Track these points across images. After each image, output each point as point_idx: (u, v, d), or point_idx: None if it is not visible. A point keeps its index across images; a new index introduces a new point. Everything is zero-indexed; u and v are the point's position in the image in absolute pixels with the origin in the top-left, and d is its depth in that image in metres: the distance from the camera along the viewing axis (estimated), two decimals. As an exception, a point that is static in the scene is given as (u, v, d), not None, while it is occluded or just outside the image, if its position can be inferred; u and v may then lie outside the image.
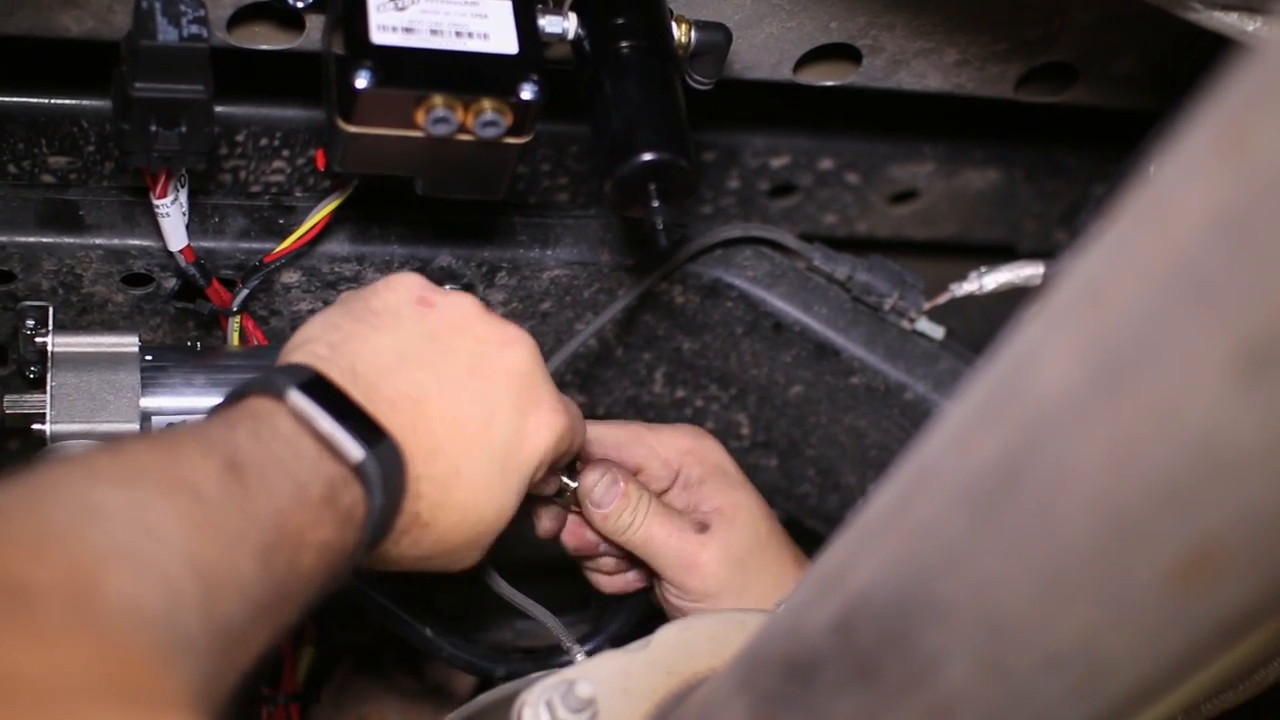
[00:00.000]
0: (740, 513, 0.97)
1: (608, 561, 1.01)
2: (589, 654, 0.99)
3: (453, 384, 0.80)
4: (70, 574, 0.54)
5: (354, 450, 0.72)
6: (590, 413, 1.19)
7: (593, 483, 0.94)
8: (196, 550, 0.61)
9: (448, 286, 1.05)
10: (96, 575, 0.55)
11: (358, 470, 0.73)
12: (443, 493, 0.78)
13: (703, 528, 0.96)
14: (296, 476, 0.70)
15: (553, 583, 1.10)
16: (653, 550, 0.95)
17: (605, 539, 0.97)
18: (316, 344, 0.79)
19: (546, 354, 1.09)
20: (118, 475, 0.62)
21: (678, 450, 0.99)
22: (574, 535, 0.99)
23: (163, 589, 0.57)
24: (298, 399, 0.73)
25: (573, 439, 0.87)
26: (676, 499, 0.98)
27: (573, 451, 0.89)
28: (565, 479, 0.94)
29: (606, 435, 0.98)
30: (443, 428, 0.79)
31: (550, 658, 1.01)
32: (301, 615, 0.71)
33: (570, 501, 0.96)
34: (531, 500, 0.92)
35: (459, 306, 0.83)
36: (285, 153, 1.03)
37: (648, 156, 0.87)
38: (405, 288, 0.83)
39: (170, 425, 0.94)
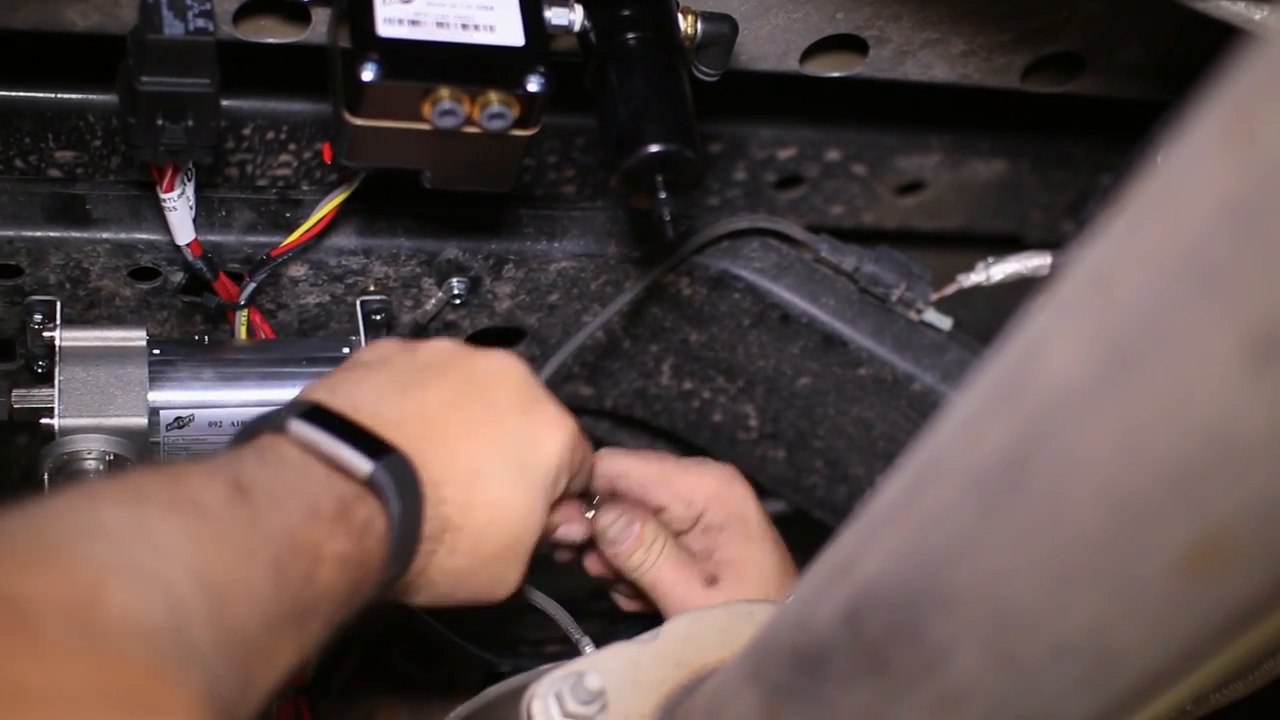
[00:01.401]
0: (752, 570, 0.95)
1: (626, 587, 1.00)
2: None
3: (456, 398, 0.81)
4: (71, 589, 0.54)
5: (361, 464, 0.73)
6: (598, 405, 1.19)
7: (609, 522, 0.95)
8: (202, 563, 0.61)
9: (454, 280, 1.05)
10: (97, 589, 0.55)
11: (370, 484, 0.73)
12: (467, 493, 0.79)
13: (712, 580, 0.95)
14: (305, 495, 0.71)
15: (562, 576, 1.10)
16: (660, 594, 0.95)
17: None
18: (316, 391, 0.80)
19: (554, 346, 1.09)
20: (120, 496, 0.63)
21: (703, 495, 0.96)
22: (594, 563, 0.99)
23: (166, 601, 0.57)
24: (300, 426, 0.74)
25: (584, 450, 0.88)
26: (695, 542, 0.97)
27: (586, 465, 0.89)
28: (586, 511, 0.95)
29: (634, 471, 0.96)
30: (455, 433, 0.80)
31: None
32: (332, 630, 0.71)
33: (588, 533, 0.96)
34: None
35: (443, 344, 0.86)
36: (292, 146, 1.03)
37: (654, 148, 0.87)
38: (385, 343, 0.87)
39: (178, 419, 0.94)
